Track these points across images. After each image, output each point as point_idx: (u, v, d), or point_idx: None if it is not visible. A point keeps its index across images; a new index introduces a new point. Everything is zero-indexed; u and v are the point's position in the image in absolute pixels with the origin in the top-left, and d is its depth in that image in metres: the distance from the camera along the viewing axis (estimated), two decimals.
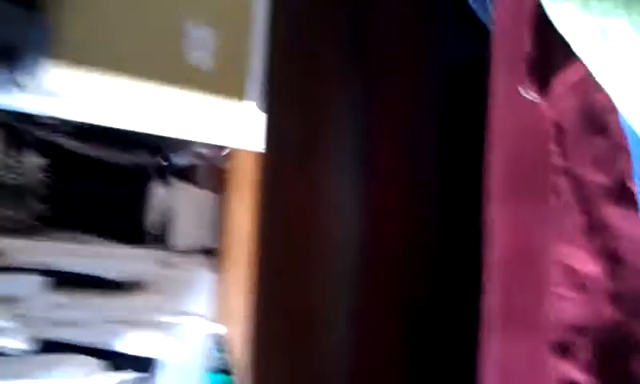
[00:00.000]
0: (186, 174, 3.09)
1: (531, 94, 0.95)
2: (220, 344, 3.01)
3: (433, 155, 1.11)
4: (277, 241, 1.12)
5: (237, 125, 2.50)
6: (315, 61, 1.13)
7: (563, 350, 0.83)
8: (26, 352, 2.76)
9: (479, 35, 1.22)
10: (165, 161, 3.31)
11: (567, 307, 0.84)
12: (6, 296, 2.77)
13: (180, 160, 3.13)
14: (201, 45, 2.33)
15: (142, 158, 3.66)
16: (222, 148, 3.01)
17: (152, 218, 3.37)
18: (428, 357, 1.05)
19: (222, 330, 3.07)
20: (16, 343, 2.72)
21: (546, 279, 0.86)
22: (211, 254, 3.26)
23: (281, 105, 1.15)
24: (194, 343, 3.08)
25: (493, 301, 0.97)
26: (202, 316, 3.10)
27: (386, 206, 1.06)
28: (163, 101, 2.36)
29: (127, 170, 3.63)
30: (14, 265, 2.81)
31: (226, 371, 2.93)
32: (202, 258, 3.22)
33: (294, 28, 1.27)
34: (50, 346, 2.87)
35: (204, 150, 3.16)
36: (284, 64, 1.24)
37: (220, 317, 3.12)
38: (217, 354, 2.99)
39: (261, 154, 1.16)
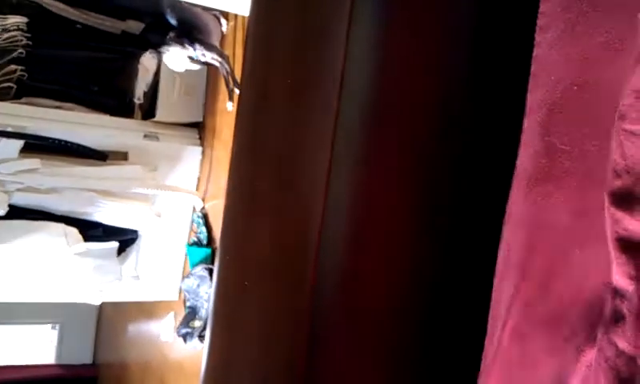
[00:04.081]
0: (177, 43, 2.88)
1: None
2: (202, 218, 2.98)
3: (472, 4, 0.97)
4: (265, 100, 1.00)
5: None
6: None
7: (627, 199, 0.66)
8: (1, 217, 2.68)
9: None
10: (155, 29, 3.13)
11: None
12: None
13: (173, 27, 2.91)
14: None
15: (131, 25, 3.46)
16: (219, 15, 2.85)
17: (139, 89, 3.24)
18: (445, 217, 0.95)
19: (202, 203, 3.03)
20: None
21: (611, 117, 0.69)
22: (197, 128, 3.20)
23: None
24: (176, 216, 3.05)
25: (530, 148, 0.81)
26: (185, 190, 3.04)
27: (414, 60, 0.92)
28: None
29: (114, 37, 3.44)
30: None
31: (206, 244, 2.91)
32: (188, 133, 3.14)
33: None
34: (28, 213, 2.81)
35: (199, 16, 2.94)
36: None
37: (204, 191, 3.07)
38: (198, 228, 2.96)
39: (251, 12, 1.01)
